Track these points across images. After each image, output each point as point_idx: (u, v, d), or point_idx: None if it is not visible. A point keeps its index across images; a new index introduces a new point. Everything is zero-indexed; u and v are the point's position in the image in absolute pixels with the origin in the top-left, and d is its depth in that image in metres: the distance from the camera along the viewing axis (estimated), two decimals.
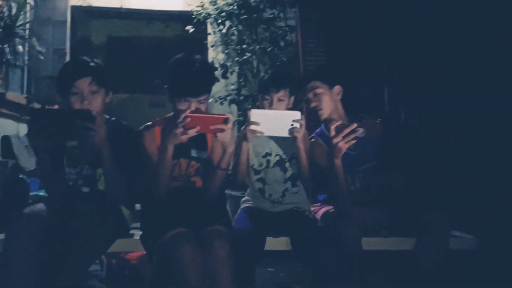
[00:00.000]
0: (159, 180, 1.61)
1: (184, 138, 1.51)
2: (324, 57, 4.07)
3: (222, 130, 1.51)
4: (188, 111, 1.54)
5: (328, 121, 1.87)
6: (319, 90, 1.87)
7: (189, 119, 1.47)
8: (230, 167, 1.75)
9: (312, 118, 2.02)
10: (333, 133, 1.59)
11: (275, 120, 1.64)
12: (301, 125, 1.63)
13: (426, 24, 3.40)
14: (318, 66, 1.98)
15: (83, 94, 1.63)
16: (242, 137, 1.74)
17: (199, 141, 1.75)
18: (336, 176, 1.65)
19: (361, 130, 1.57)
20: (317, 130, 2.01)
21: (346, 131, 1.57)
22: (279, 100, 1.83)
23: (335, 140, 1.58)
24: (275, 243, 1.76)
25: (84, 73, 1.64)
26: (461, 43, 3.33)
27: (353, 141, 1.58)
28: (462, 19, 3.22)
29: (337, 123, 1.61)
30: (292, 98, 1.89)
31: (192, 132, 1.49)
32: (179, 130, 1.49)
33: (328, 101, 1.89)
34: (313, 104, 1.88)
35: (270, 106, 1.83)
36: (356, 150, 1.86)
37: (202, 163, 1.75)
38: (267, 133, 1.67)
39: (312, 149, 1.88)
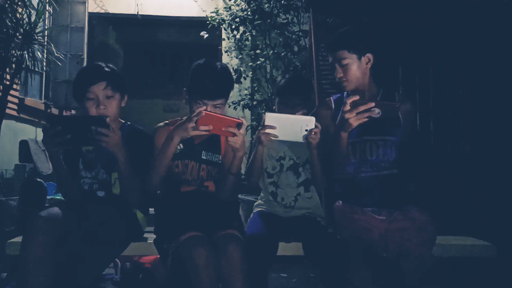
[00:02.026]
0: (155, 169, 1.62)
1: (194, 133, 1.51)
2: None
3: (234, 134, 1.51)
4: (204, 107, 1.56)
5: (355, 92, 1.78)
6: (345, 61, 1.75)
7: (203, 115, 1.47)
8: (242, 171, 1.75)
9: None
10: (347, 107, 1.52)
11: (290, 125, 1.63)
12: (315, 133, 1.62)
13: (438, 28, 3.38)
14: (343, 32, 1.79)
15: (98, 99, 1.66)
16: (256, 140, 1.74)
17: (211, 144, 1.76)
18: (339, 146, 1.64)
19: (377, 110, 1.51)
20: (337, 95, 1.93)
21: (361, 108, 1.51)
22: (295, 104, 1.83)
23: (347, 115, 1.53)
24: (288, 248, 1.75)
25: (99, 78, 1.67)
26: (473, 48, 3.30)
27: (365, 119, 1.53)
28: (476, 26, 3.18)
29: (354, 98, 1.53)
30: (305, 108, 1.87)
31: (203, 129, 1.49)
32: (191, 124, 1.49)
33: (355, 72, 1.76)
34: (338, 75, 1.77)
35: (286, 110, 1.83)
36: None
37: (213, 166, 1.76)
38: (281, 137, 1.66)
39: (320, 109, 1.85)
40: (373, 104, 1.51)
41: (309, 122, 1.62)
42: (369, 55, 1.78)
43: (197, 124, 1.48)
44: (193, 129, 1.49)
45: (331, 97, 1.92)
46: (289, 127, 1.62)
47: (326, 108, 1.88)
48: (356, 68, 1.76)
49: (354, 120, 1.52)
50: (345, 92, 1.88)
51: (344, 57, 1.75)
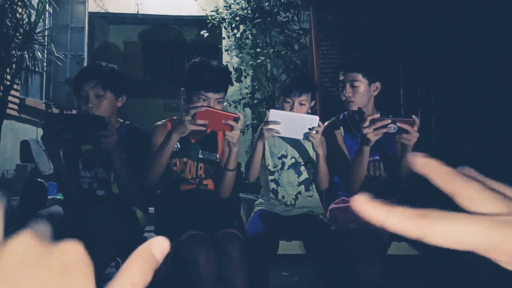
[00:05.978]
0: (153, 167, 1.61)
1: (192, 127, 1.50)
2: (339, 60, 4.06)
3: (232, 129, 1.51)
4: (200, 102, 1.56)
5: (359, 113, 1.87)
6: (357, 83, 1.85)
7: (201, 109, 1.47)
8: (243, 169, 1.75)
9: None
10: (366, 124, 1.61)
11: (293, 122, 1.64)
12: (317, 131, 1.62)
13: (440, 25, 3.36)
14: (361, 57, 1.93)
15: (88, 96, 1.65)
16: (258, 136, 1.74)
17: (208, 143, 1.77)
18: (361, 161, 1.70)
19: (392, 126, 1.60)
20: (340, 116, 2.01)
21: (378, 124, 1.60)
22: (301, 104, 1.82)
23: (365, 131, 1.60)
24: (289, 247, 1.75)
25: (90, 76, 1.66)
26: (473, 45, 3.29)
27: (380, 135, 1.61)
28: (474, 23, 3.16)
29: (373, 116, 1.62)
30: (313, 103, 1.88)
31: (201, 123, 1.49)
32: (188, 118, 1.49)
33: (363, 96, 1.87)
34: (347, 94, 1.87)
35: (291, 110, 1.82)
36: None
37: (210, 165, 1.76)
38: (283, 134, 1.67)
39: (328, 131, 1.90)
40: (389, 121, 1.59)
41: (313, 120, 1.62)
42: (378, 83, 1.89)
43: (195, 118, 1.48)
44: (191, 123, 1.49)
45: (335, 118, 2.01)
46: (292, 125, 1.63)
47: (335, 128, 1.96)
48: (364, 92, 1.86)
49: (372, 136, 1.60)
50: (346, 113, 1.98)
51: (356, 79, 1.85)
